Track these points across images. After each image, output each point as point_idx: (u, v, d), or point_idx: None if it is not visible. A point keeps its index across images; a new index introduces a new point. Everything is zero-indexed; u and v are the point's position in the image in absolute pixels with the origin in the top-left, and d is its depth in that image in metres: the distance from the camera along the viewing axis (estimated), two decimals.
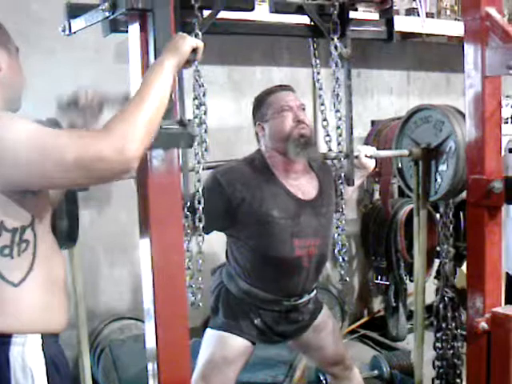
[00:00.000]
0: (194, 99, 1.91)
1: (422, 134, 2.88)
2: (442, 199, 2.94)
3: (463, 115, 2.65)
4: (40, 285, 1.55)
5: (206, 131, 1.89)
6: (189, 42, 1.54)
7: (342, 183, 2.51)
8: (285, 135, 2.36)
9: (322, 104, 2.53)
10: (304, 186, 2.48)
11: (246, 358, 2.51)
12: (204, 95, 1.89)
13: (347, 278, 2.56)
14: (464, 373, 2.95)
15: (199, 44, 1.57)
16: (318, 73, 2.48)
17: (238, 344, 2.47)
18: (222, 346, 2.46)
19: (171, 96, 1.51)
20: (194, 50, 1.57)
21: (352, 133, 2.47)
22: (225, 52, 3.98)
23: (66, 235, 1.95)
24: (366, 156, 2.56)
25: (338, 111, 2.27)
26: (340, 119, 2.28)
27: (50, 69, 3.28)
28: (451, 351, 3.13)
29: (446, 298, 3.16)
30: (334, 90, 2.26)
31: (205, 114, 1.90)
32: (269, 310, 2.49)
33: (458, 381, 3.12)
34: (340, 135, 2.30)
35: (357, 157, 2.54)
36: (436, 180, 2.85)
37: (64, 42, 2.95)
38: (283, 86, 2.50)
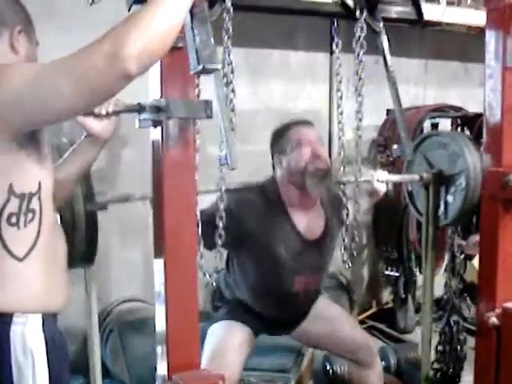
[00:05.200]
0: (222, 77, 1.81)
1: (437, 157, 2.87)
2: (451, 224, 2.98)
3: (480, 152, 2.66)
4: (43, 262, 1.53)
5: (233, 110, 1.82)
6: None
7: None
8: (302, 169, 2.40)
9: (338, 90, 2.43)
10: (312, 223, 2.52)
11: (250, 344, 2.54)
12: (232, 73, 1.82)
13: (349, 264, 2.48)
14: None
15: None
16: (338, 57, 2.36)
17: (241, 330, 2.52)
18: (226, 332, 2.51)
19: None
20: None
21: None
22: (242, 34, 3.92)
23: (84, 256, 1.93)
24: (377, 181, 2.57)
25: (359, 95, 2.19)
26: (361, 104, 2.21)
27: (67, 45, 3.26)
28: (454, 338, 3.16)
29: (453, 290, 3.19)
30: (357, 72, 2.17)
31: (233, 92, 1.83)
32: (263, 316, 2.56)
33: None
34: (360, 120, 2.23)
35: (369, 181, 2.53)
36: (445, 206, 2.85)
37: (81, 18, 2.93)
38: (302, 121, 2.53)
